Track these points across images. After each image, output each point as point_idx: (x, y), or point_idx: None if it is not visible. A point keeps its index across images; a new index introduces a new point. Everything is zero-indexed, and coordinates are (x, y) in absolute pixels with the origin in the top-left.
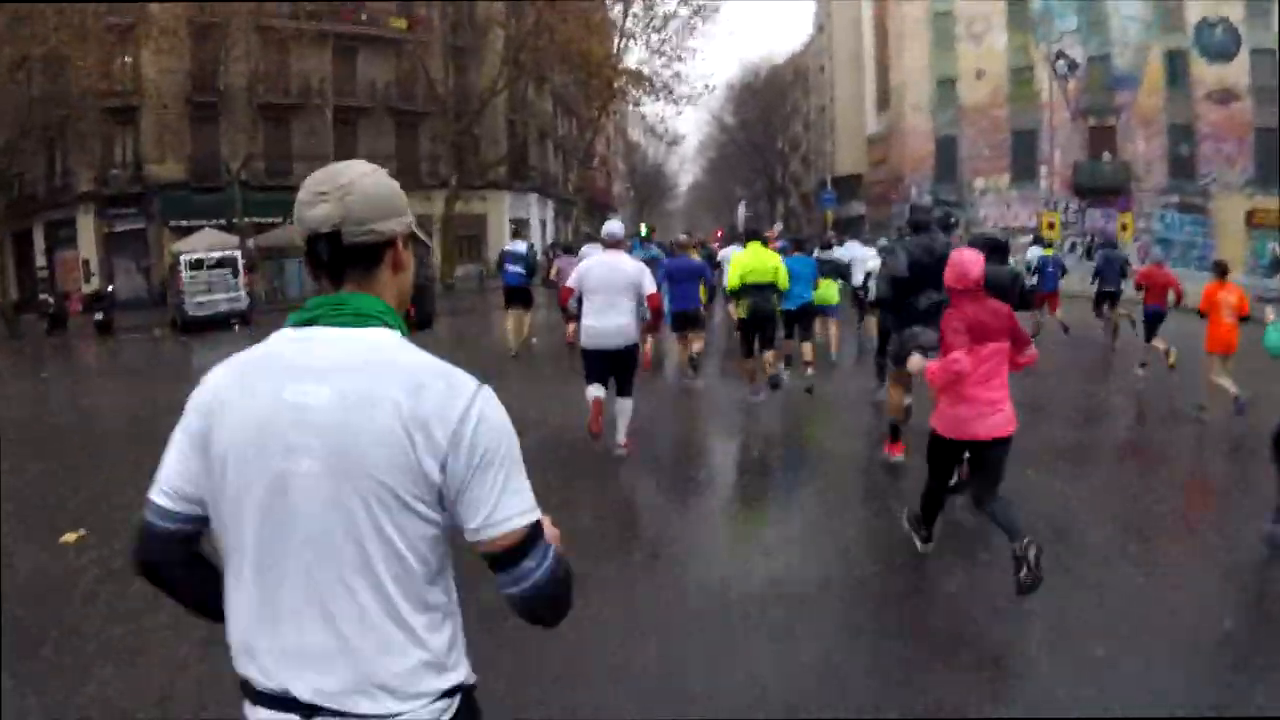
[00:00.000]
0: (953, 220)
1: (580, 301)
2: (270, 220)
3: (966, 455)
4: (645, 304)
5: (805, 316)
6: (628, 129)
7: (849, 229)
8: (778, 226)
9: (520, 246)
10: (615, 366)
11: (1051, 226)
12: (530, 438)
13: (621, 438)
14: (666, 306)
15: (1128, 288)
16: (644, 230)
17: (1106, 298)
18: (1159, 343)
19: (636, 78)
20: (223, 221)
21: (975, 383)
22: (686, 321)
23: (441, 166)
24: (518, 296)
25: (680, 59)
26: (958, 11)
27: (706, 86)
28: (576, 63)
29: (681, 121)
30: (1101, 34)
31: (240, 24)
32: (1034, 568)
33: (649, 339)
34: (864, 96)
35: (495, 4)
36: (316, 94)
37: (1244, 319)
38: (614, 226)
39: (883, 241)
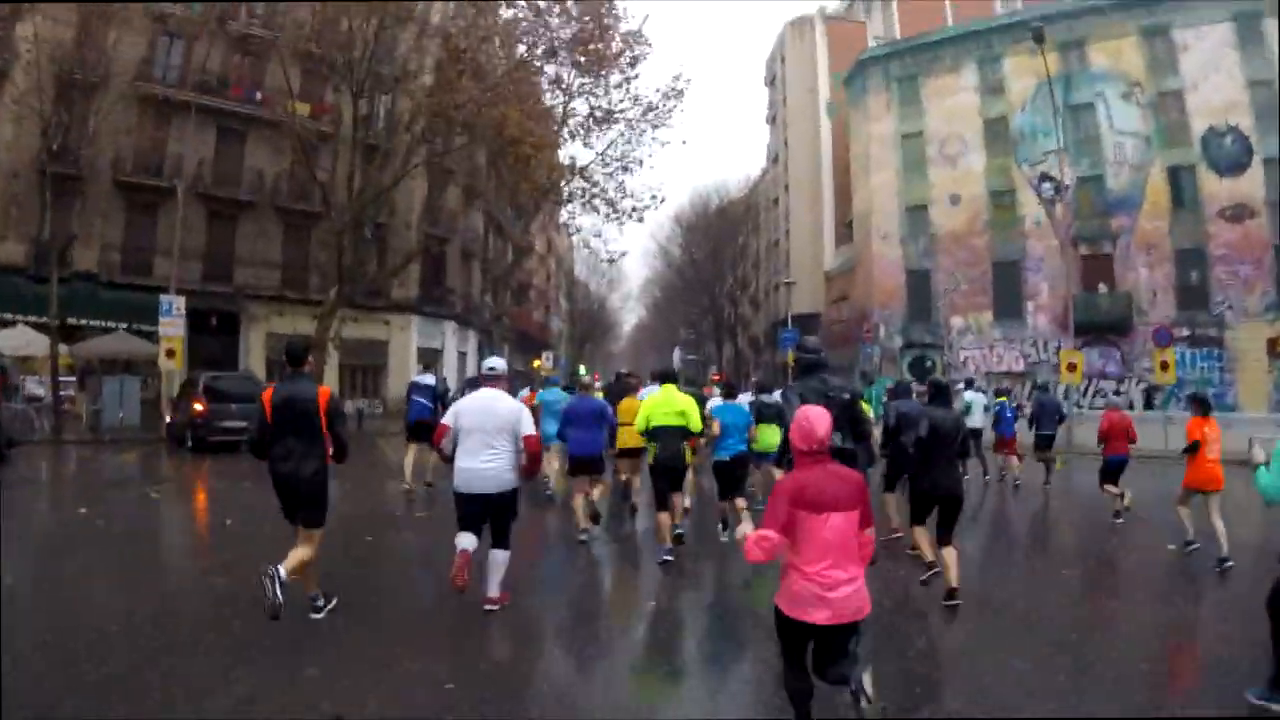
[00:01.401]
0: (928, 364)
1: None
2: (108, 325)
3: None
4: (523, 446)
5: (739, 467)
6: (570, 263)
7: (806, 373)
8: (711, 370)
9: (428, 379)
10: (490, 513)
11: (1073, 368)
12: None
13: (493, 591)
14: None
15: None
16: (582, 371)
17: (1043, 442)
18: (1111, 488)
19: (579, 172)
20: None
21: (812, 559)
22: (584, 466)
23: (320, 277)
24: (421, 431)
25: (626, 169)
26: (929, 131)
27: (654, 197)
28: (511, 139)
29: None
30: (1092, 152)
31: (120, 87)
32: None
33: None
34: (822, 227)
35: (419, 84)
36: (193, 179)
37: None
38: (494, 361)
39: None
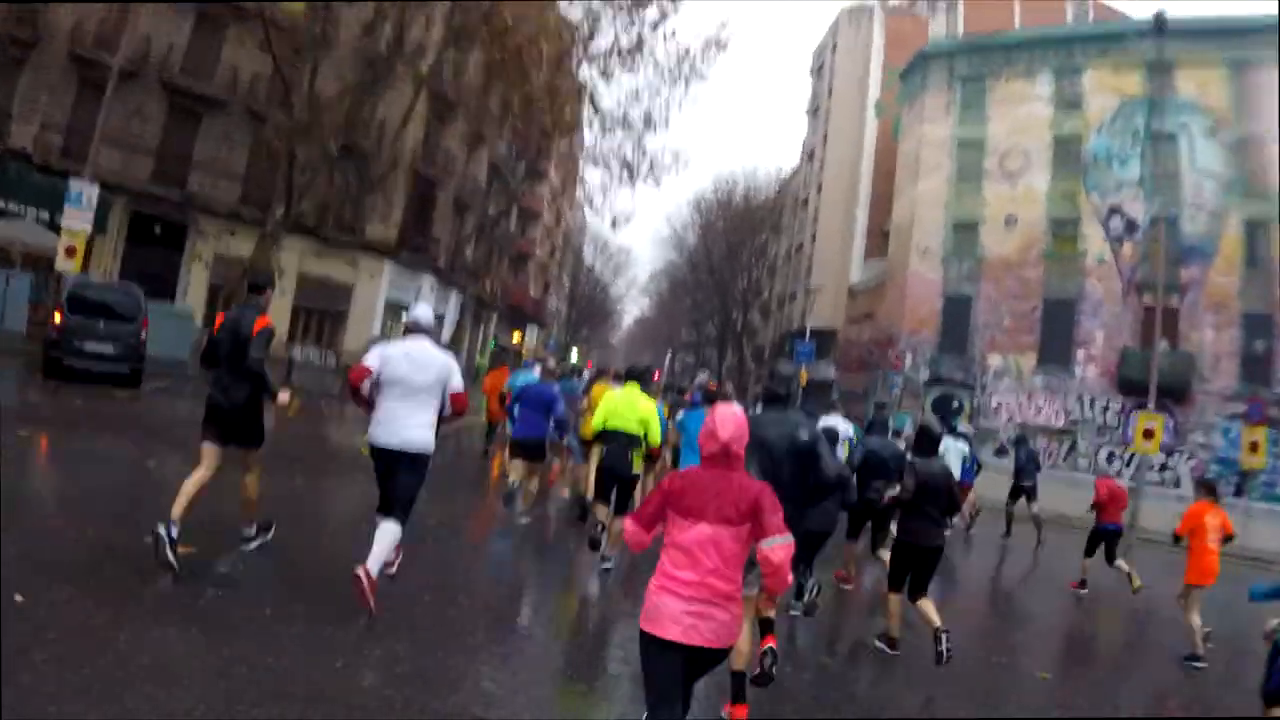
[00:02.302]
0: (955, 405)
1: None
2: (24, 211)
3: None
4: (449, 402)
5: None
6: (579, 242)
7: (812, 396)
8: (702, 376)
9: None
10: (396, 471)
11: (1150, 435)
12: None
13: (372, 565)
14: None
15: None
16: (574, 356)
17: (1024, 492)
18: (1123, 564)
19: (592, 102)
20: None
21: (673, 567)
22: (525, 450)
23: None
24: None
25: (648, 124)
26: (990, 141)
27: (676, 158)
28: (529, 65)
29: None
30: (1170, 190)
31: None
32: None
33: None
34: (853, 235)
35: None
36: (157, 66)
37: (1228, 538)
38: (420, 311)
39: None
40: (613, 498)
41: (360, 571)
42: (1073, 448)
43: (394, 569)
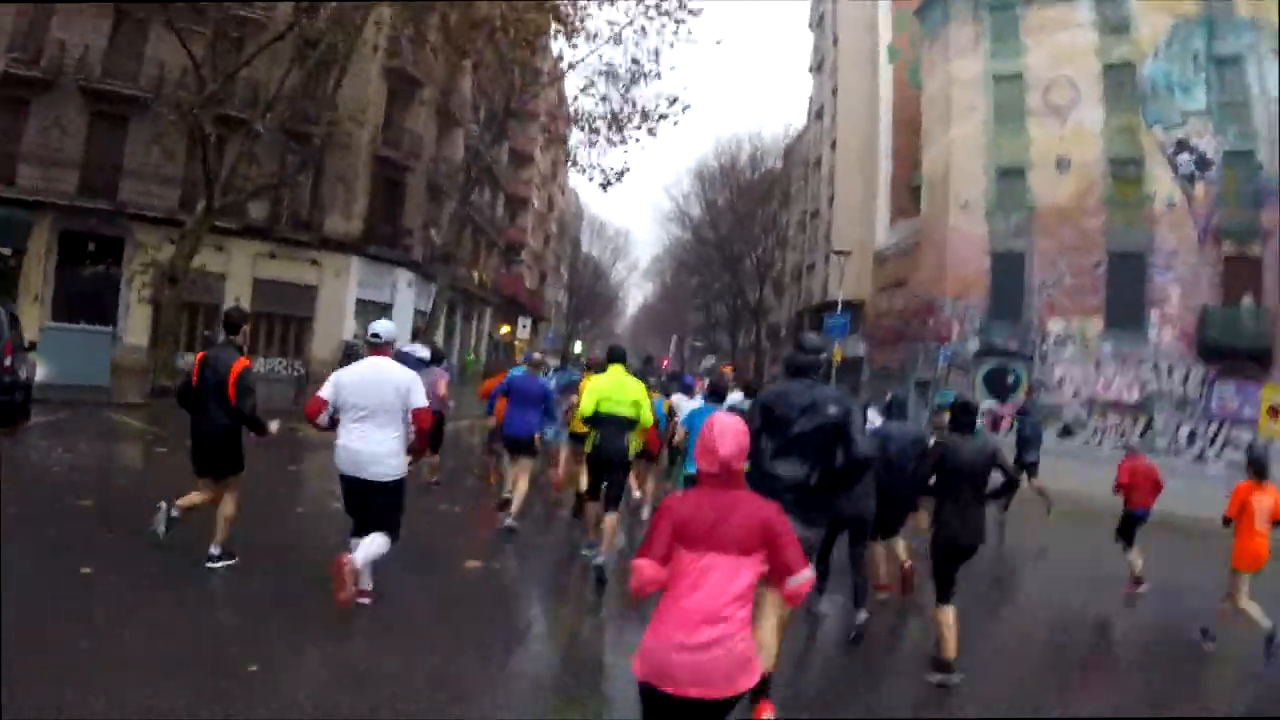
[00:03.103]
0: (1010, 380)
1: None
2: None
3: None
4: (411, 421)
5: None
6: (575, 230)
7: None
8: (710, 360)
9: (420, 350)
10: (368, 502)
11: (1276, 413)
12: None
13: (360, 561)
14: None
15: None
16: (578, 350)
17: (1025, 468)
18: (1135, 557)
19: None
20: None
21: (678, 609)
22: (516, 446)
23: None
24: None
25: (636, 80)
26: (1030, 73)
27: (673, 102)
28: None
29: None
30: (1242, 120)
31: None
32: None
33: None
34: (875, 195)
35: None
36: (73, 70)
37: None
38: (382, 326)
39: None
40: (603, 490)
41: (344, 561)
42: (1149, 426)
43: (367, 597)
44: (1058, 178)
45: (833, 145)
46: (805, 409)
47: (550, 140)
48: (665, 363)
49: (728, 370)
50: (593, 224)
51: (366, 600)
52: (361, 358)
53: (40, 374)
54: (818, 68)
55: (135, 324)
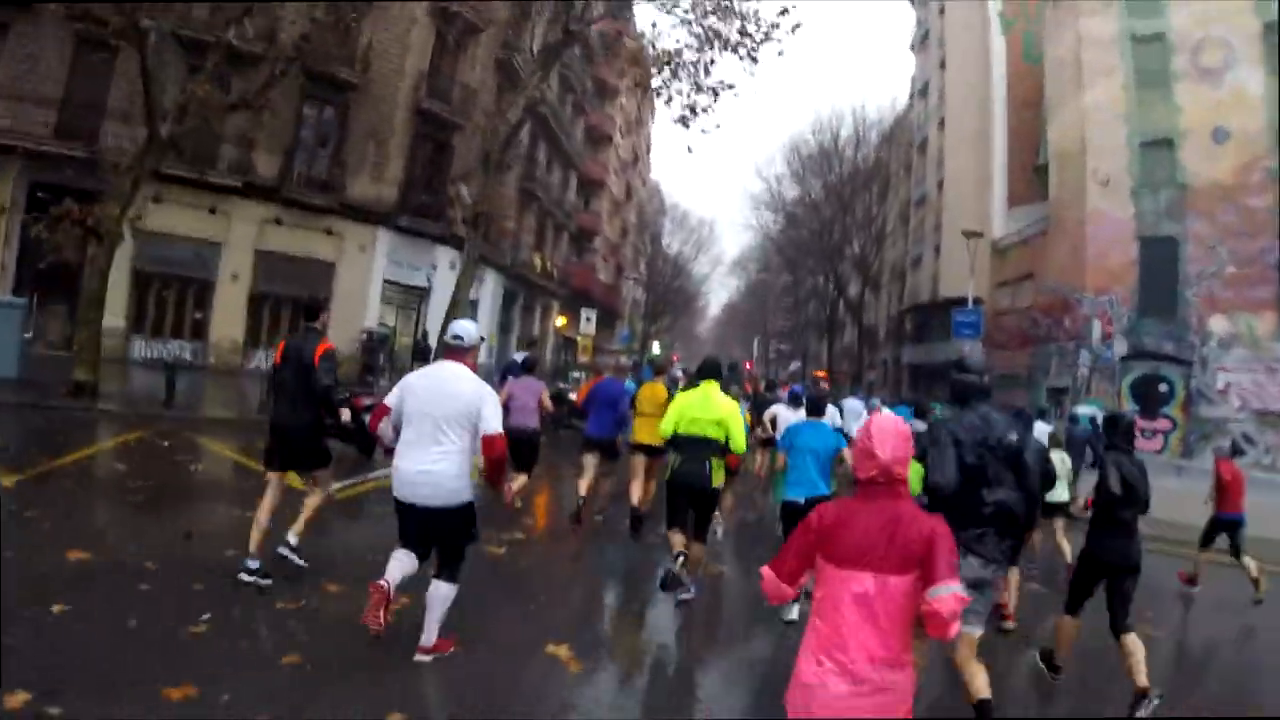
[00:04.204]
0: (1163, 389)
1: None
2: None
3: None
4: (481, 446)
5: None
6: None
7: (965, 403)
8: (795, 365)
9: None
10: (434, 533)
11: None
12: None
13: (429, 637)
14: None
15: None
16: (655, 349)
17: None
18: (1251, 563)
19: None
20: None
21: (826, 631)
22: (597, 448)
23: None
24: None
25: (714, 40)
26: (1176, 32)
27: (774, 27)
28: None
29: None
30: None
31: None
32: None
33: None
34: (990, 179)
35: None
36: None
37: None
38: (464, 327)
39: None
40: (690, 518)
41: (424, 649)
42: None
43: (430, 652)
44: (1214, 150)
45: (940, 125)
46: (988, 436)
47: (634, 86)
48: (749, 365)
49: (822, 376)
50: (674, 214)
51: (427, 657)
52: (430, 359)
53: None
54: (921, 43)
55: (113, 301)
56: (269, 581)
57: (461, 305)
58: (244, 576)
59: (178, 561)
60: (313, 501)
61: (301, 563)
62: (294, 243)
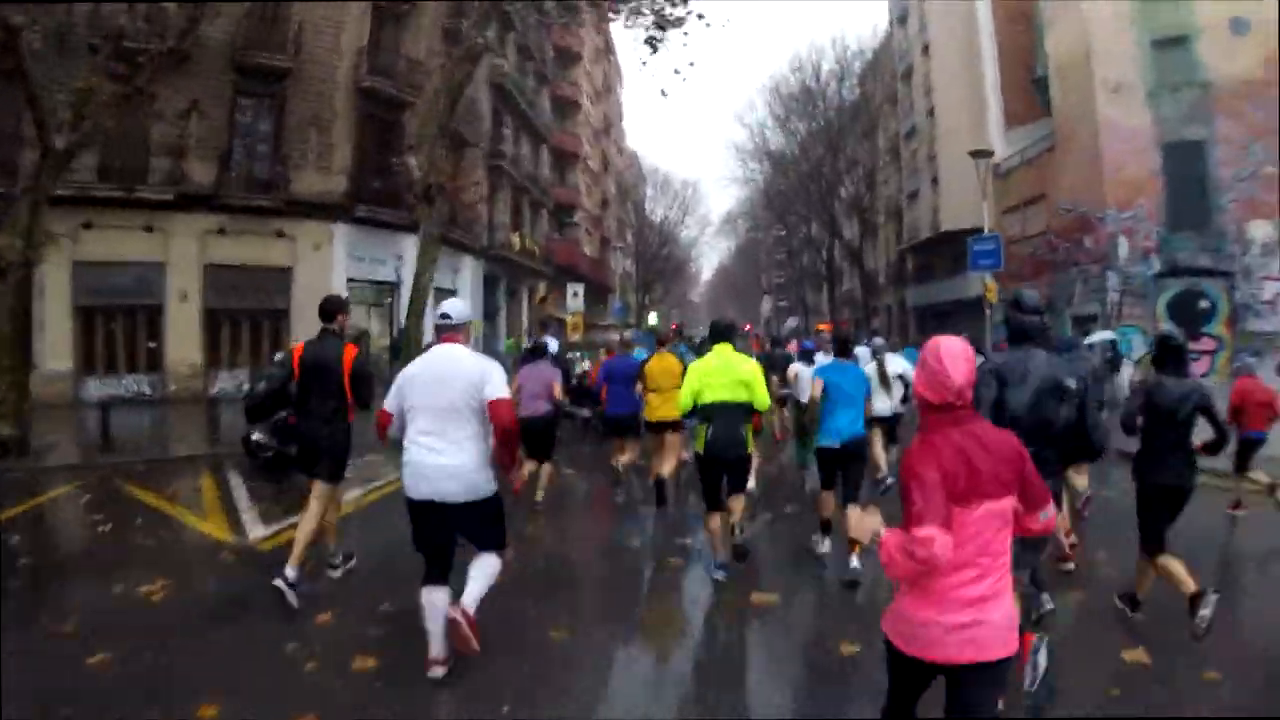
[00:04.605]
0: (1202, 305)
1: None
2: None
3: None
4: (489, 419)
5: (854, 462)
6: (639, 194)
7: (1019, 343)
8: (791, 322)
9: (550, 341)
10: (458, 530)
11: None
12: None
13: (470, 604)
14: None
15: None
16: (653, 320)
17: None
18: (1261, 475)
19: None
20: None
21: (951, 568)
22: (620, 427)
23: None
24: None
25: None
26: None
27: None
28: None
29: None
30: None
31: None
32: None
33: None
34: (985, 100)
35: None
36: None
37: None
38: (454, 306)
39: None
40: (724, 488)
41: (456, 614)
42: None
43: (464, 619)
44: (1235, 43)
45: (925, 50)
46: (1046, 377)
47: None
48: (748, 328)
49: (826, 329)
50: (655, 179)
51: (475, 643)
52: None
53: None
54: None
55: (57, 341)
56: (295, 602)
57: (425, 292)
58: (277, 582)
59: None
60: (332, 518)
61: (351, 564)
62: (242, 251)
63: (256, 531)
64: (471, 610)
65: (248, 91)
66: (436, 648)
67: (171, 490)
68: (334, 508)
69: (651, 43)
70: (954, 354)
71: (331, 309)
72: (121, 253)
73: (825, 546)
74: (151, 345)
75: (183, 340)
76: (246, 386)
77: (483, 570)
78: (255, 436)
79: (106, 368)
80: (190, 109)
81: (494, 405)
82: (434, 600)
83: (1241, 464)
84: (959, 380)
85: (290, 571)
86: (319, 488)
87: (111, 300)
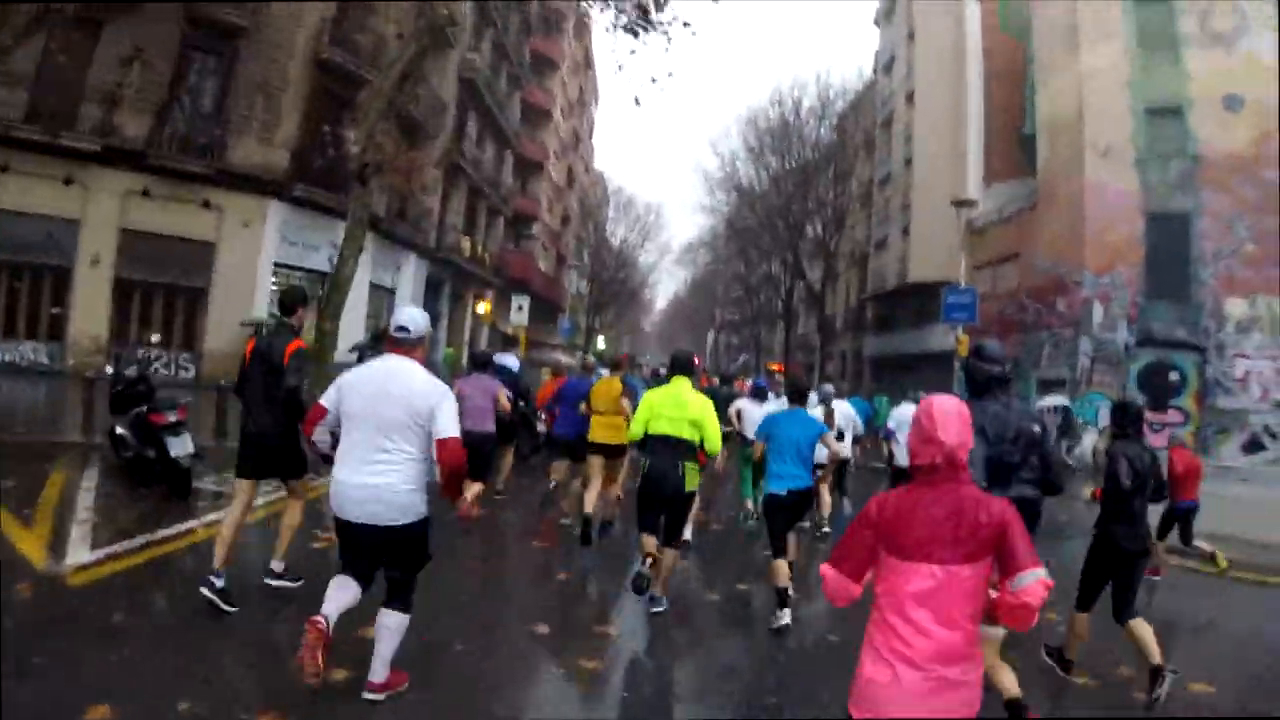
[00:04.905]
0: (1174, 378)
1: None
2: None
3: None
4: (436, 452)
5: (797, 509)
6: (602, 216)
7: (985, 392)
8: (744, 357)
9: (509, 359)
10: (381, 556)
11: None
12: None
13: (378, 674)
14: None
15: None
16: (600, 345)
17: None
18: (1203, 543)
19: None
20: None
21: (910, 624)
22: (568, 450)
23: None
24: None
25: None
26: None
27: None
28: None
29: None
30: None
31: None
32: None
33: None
34: (966, 155)
35: None
36: None
37: None
38: (411, 316)
39: None
40: (661, 522)
41: (372, 685)
42: None
43: (380, 690)
44: (1228, 119)
45: (909, 98)
46: (1013, 427)
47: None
48: (697, 361)
49: (777, 369)
50: (619, 199)
51: (378, 696)
52: (370, 354)
53: None
54: (886, 16)
55: None
56: (234, 609)
57: (345, 286)
58: (204, 591)
59: None
60: (293, 509)
61: (298, 582)
62: (165, 219)
63: (77, 556)
64: (381, 677)
65: (197, 45)
66: (312, 657)
67: (9, 484)
68: (297, 510)
69: (633, 29)
70: (946, 412)
71: (290, 302)
72: (35, 204)
73: (786, 619)
74: (55, 311)
75: (90, 309)
76: (110, 370)
77: (389, 630)
78: (120, 431)
79: (5, 332)
80: (133, 56)
81: (442, 445)
82: (340, 587)
83: (1164, 531)
84: (949, 440)
85: (217, 580)
86: (246, 486)
87: (17, 256)
